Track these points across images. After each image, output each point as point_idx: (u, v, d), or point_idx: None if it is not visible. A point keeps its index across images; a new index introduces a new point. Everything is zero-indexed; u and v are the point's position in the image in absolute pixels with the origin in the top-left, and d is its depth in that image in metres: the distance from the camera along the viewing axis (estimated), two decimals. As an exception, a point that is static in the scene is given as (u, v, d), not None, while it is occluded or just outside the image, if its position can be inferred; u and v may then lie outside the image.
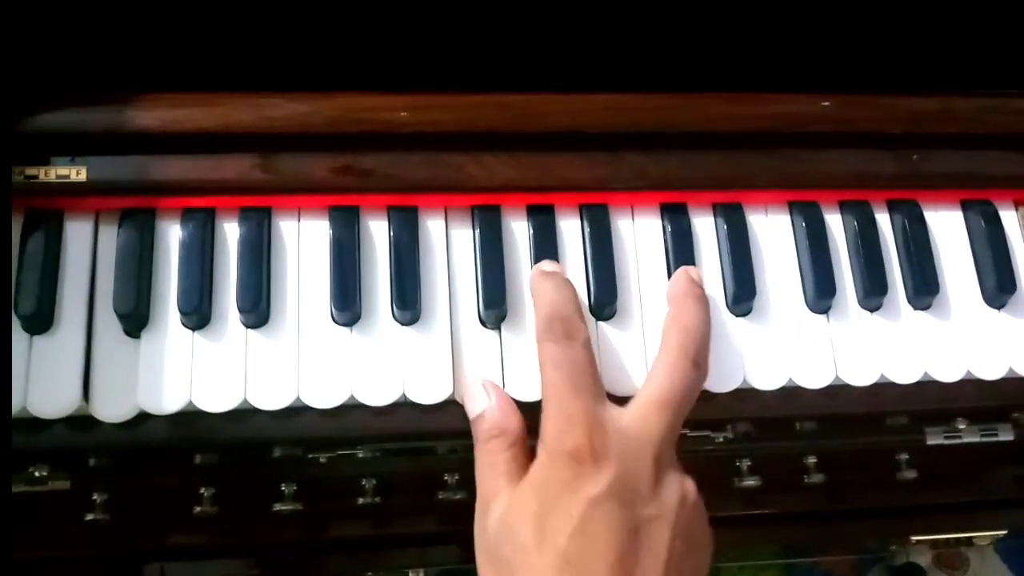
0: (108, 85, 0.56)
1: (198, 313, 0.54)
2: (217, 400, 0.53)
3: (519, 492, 0.48)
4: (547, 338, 0.51)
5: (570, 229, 0.59)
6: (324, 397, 0.54)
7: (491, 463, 0.50)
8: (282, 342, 0.55)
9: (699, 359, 0.52)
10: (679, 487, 0.48)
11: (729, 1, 0.63)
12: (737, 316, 0.58)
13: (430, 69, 0.60)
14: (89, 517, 0.55)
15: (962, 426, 0.61)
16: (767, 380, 0.57)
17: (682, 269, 0.57)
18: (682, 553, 0.47)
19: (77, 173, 0.55)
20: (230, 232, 0.56)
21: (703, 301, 0.55)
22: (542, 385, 0.51)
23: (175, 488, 0.57)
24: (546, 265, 0.56)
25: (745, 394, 0.57)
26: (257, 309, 0.54)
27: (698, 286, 0.55)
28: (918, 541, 0.71)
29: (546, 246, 0.57)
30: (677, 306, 0.54)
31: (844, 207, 0.61)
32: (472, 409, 0.53)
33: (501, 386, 0.55)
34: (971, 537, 0.70)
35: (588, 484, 0.46)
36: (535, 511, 0.46)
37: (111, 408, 0.53)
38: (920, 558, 0.77)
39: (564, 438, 0.47)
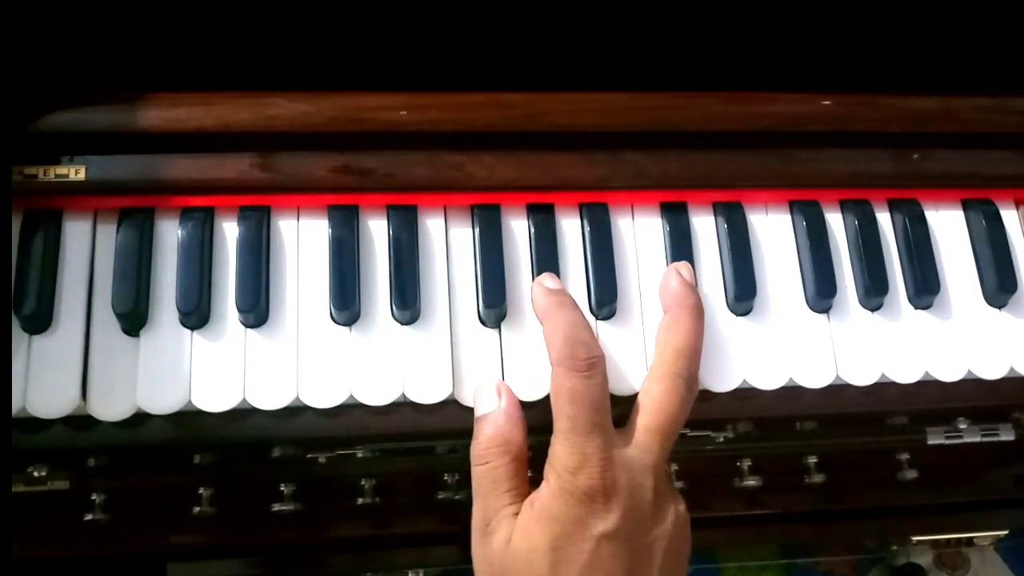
0: (108, 84, 0.56)
1: (197, 313, 0.54)
2: (216, 400, 0.53)
3: (530, 521, 0.49)
4: (569, 366, 0.50)
5: (570, 228, 0.59)
6: (323, 397, 0.54)
7: (493, 477, 0.51)
8: (281, 342, 0.55)
9: (692, 381, 0.53)
10: (674, 510, 0.51)
11: (729, 0, 0.63)
12: (737, 315, 0.58)
13: (430, 69, 0.60)
14: (88, 517, 0.55)
15: (963, 426, 0.61)
16: (767, 380, 0.57)
17: (672, 268, 0.56)
18: (671, 569, 0.50)
19: (76, 172, 0.55)
20: (229, 231, 0.56)
21: (697, 311, 0.54)
22: (556, 413, 0.50)
23: (174, 488, 0.57)
24: (549, 281, 0.55)
25: (745, 394, 0.57)
26: (256, 309, 0.54)
27: (692, 292, 0.55)
28: (919, 541, 0.71)
29: (546, 245, 0.57)
30: (672, 318, 0.54)
31: (845, 206, 0.61)
32: (479, 408, 0.53)
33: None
34: (972, 537, 0.70)
35: (600, 522, 0.48)
36: (549, 544, 0.48)
37: (110, 408, 0.53)
38: (921, 558, 0.77)
39: (578, 476, 0.48)
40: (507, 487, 0.51)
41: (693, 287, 0.56)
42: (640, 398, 0.53)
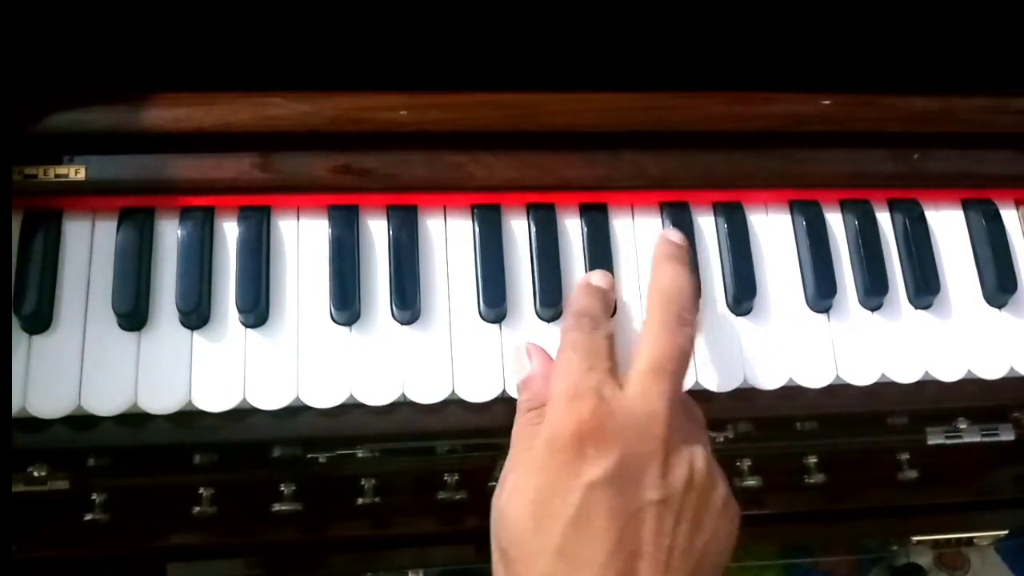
0: (108, 85, 0.56)
1: (197, 312, 0.54)
2: (216, 400, 0.53)
3: (520, 476, 0.46)
4: (573, 328, 0.50)
5: (570, 228, 0.59)
6: (323, 397, 0.54)
7: (522, 434, 0.48)
8: (281, 341, 0.55)
9: (684, 316, 0.49)
10: (687, 466, 0.46)
11: (730, 0, 0.63)
12: (737, 315, 0.58)
13: (430, 68, 0.60)
14: (88, 517, 0.55)
15: (963, 426, 0.61)
16: (768, 380, 0.57)
17: (662, 233, 0.56)
18: (689, 538, 0.45)
19: (76, 172, 0.55)
20: (229, 231, 0.56)
21: (682, 261, 0.53)
22: (556, 364, 0.49)
23: (174, 488, 0.57)
24: (596, 278, 0.55)
25: (746, 394, 0.57)
26: (256, 308, 0.54)
27: (678, 246, 0.54)
28: (919, 541, 0.71)
29: (546, 245, 0.57)
30: (655, 270, 0.53)
31: (845, 206, 0.61)
32: (515, 376, 0.52)
33: (502, 383, 0.55)
34: (972, 537, 0.70)
35: (589, 468, 0.43)
36: (532, 497, 0.44)
37: (106, 402, 0.53)
38: (921, 558, 0.77)
39: (568, 416, 0.45)
40: (531, 445, 0.47)
41: (680, 244, 0.55)
42: (636, 349, 0.49)
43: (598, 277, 0.55)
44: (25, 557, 0.57)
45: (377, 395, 0.54)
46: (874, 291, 0.59)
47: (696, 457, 0.46)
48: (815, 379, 0.57)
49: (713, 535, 0.46)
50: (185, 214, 0.56)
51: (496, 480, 0.49)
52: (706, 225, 0.60)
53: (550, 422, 0.46)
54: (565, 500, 0.43)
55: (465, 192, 0.58)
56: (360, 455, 0.57)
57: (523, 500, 0.44)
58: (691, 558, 0.44)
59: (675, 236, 0.56)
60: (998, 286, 0.60)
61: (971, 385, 0.59)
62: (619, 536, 0.43)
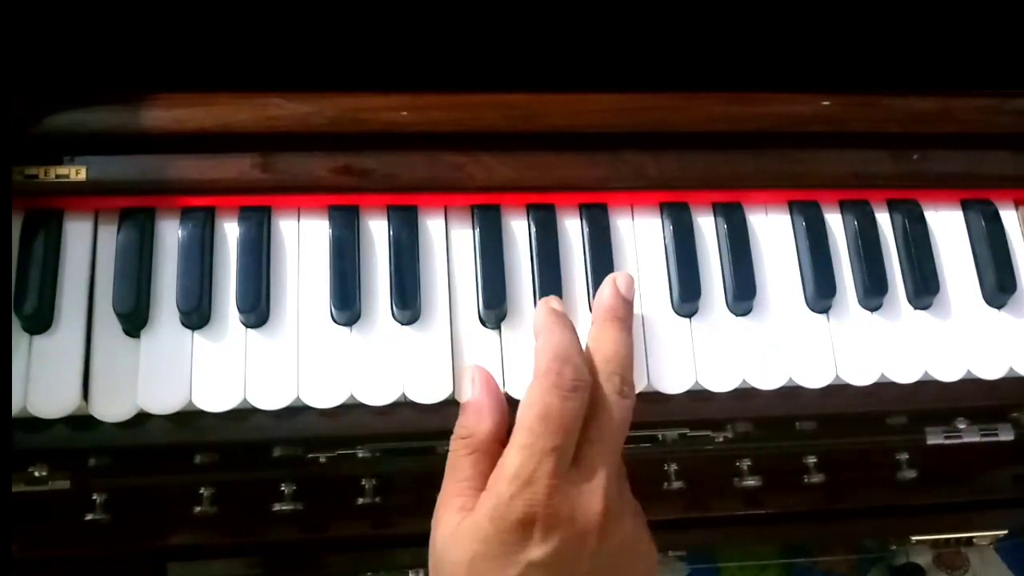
0: (109, 85, 0.56)
1: (198, 313, 0.54)
2: (217, 400, 0.53)
3: (463, 531, 0.47)
4: (553, 381, 0.47)
5: (570, 229, 0.59)
6: (324, 397, 0.54)
7: (452, 465, 0.49)
8: (282, 342, 0.55)
9: (625, 387, 0.50)
10: (618, 534, 0.47)
11: (729, 1, 0.63)
12: (737, 316, 0.58)
13: (430, 69, 0.60)
14: (89, 517, 0.55)
15: (962, 426, 0.61)
16: (767, 380, 0.57)
17: (610, 278, 0.54)
18: None
19: (77, 173, 0.55)
20: (230, 231, 0.56)
21: (625, 322, 0.52)
22: (519, 425, 0.47)
23: (175, 488, 0.57)
24: (555, 303, 0.54)
25: (745, 394, 0.57)
26: (257, 309, 0.54)
27: (623, 302, 0.53)
28: (918, 541, 0.71)
29: (546, 246, 0.57)
30: (597, 328, 0.52)
31: (844, 207, 0.61)
32: (460, 396, 0.52)
33: (503, 383, 0.55)
34: (971, 537, 0.70)
35: (532, 549, 0.45)
36: (470, 559, 0.46)
37: (111, 408, 0.53)
38: (920, 558, 0.77)
39: (517, 499, 0.45)
40: (461, 477, 0.48)
41: (626, 299, 0.54)
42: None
43: (557, 303, 0.54)
44: (26, 557, 0.57)
45: (377, 395, 0.54)
46: (873, 291, 0.59)
47: (625, 521, 0.48)
48: (814, 379, 0.57)
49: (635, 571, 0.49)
50: (186, 214, 0.56)
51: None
52: (706, 225, 0.60)
53: (497, 496, 0.46)
54: (503, 573, 0.45)
55: (465, 192, 0.58)
56: (360, 455, 0.57)
57: (461, 556, 0.46)
58: None
59: (624, 285, 0.54)
60: (997, 286, 0.60)
61: (970, 385, 0.59)
62: None
